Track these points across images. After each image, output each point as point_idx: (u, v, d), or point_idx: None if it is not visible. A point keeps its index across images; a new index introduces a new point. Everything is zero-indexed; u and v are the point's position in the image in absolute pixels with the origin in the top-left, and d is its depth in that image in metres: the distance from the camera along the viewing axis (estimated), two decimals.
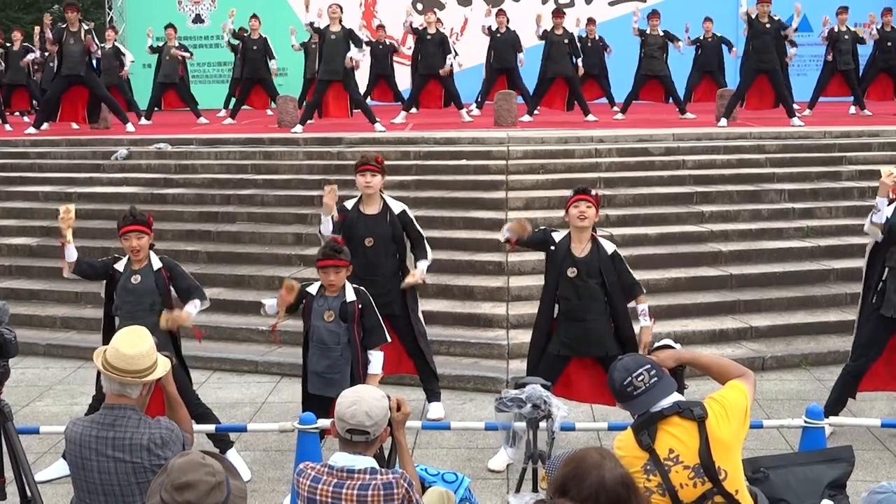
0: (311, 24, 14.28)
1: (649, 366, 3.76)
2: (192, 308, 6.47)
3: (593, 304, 6.58)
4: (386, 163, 7.58)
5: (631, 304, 6.77)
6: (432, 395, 7.77)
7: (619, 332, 6.66)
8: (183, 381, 6.49)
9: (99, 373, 4.50)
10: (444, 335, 9.06)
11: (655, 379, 3.72)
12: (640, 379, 3.72)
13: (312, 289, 6.40)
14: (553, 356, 6.71)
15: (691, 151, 12.58)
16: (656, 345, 4.33)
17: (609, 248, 6.69)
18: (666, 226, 10.90)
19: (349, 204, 7.39)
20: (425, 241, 7.45)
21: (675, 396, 3.77)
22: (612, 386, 3.79)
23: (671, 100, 17.02)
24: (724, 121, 14.55)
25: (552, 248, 6.70)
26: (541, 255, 9.31)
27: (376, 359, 6.38)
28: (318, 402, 6.27)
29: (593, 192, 6.72)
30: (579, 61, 16.19)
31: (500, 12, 16.97)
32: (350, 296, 6.31)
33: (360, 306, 6.32)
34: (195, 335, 7.02)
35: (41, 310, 10.50)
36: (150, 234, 6.50)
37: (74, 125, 16.00)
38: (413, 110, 16.72)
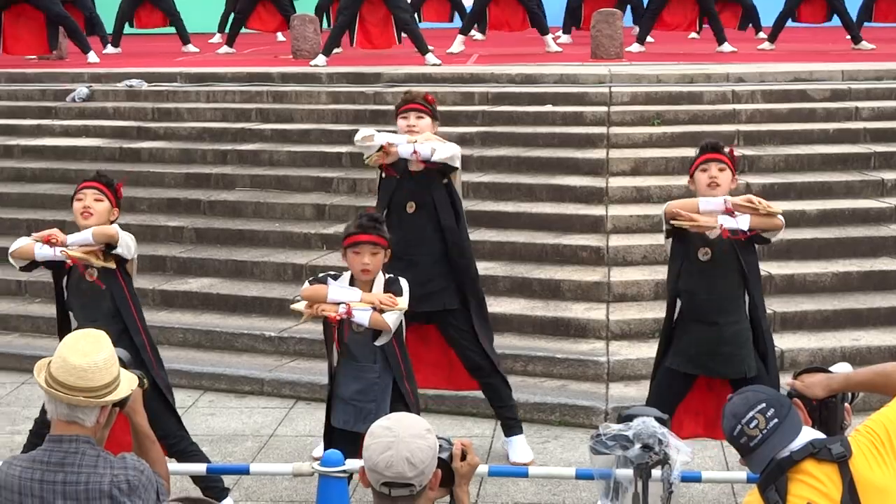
0: None
1: (764, 405, 3.77)
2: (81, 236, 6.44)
3: (730, 301, 6.59)
4: (441, 108, 7.61)
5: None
6: (512, 427, 7.73)
7: (756, 338, 6.65)
8: (157, 408, 6.52)
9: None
10: (520, 347, 9.05)
11: (776, 421, 3.74)
12: (753, 426, 3.74)
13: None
14: (671, 373, 6.71)
15: (868, 95, 12.43)
16: (809, 368, 4.33)
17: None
18: (831, 199, 10.79)
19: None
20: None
21: (809, 434, 3.79)
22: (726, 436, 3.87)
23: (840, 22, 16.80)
24: None
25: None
26: (654, 240, 9.25)
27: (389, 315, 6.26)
28: (345, 438, 6.29)
29: (727, 150, 6.72)
30: None
31: None
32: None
33: None
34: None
35: None
36: (113, 201, 6.59)
37: (30, 57, 16.12)
38: (477, 35, 16.63)
